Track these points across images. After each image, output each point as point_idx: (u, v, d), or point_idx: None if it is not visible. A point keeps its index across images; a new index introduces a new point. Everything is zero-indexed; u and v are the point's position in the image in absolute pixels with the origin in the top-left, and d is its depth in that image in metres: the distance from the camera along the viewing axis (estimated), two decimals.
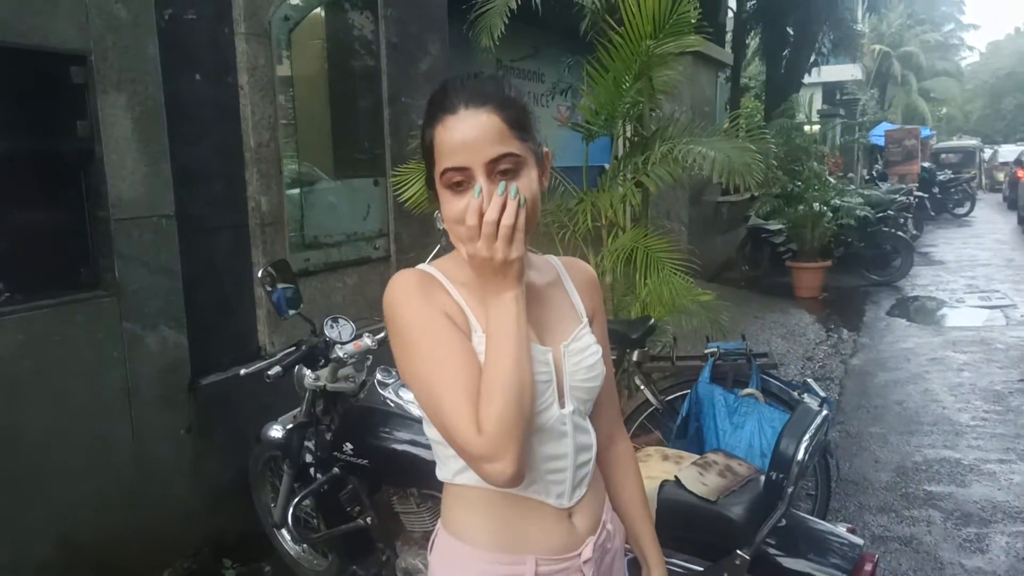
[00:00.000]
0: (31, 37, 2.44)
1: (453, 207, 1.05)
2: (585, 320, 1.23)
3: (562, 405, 1.14)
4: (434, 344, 1.04)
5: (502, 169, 1.04)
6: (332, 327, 2.62)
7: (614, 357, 3.27)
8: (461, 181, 1.05)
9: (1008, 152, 23.94)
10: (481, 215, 0.99)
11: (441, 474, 1.17)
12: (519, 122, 1.06)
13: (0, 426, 2.40)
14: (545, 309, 1.19)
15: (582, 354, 1.18)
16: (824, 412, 1.96)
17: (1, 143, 2.62)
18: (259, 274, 2.39)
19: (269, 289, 2.44)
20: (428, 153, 1.10)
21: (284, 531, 3.11)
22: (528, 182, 1.06)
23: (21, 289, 2.55)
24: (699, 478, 1.95)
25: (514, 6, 3.86)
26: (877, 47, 30.24)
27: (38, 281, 2.62)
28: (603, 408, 1.28)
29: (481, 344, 1.06)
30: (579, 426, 1.17)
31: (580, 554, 1.16)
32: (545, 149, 1.14)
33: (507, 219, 0.99)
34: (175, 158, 2.90)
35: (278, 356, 2.43)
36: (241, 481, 3.16)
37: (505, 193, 1.00)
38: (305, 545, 3.09)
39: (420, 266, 1.17)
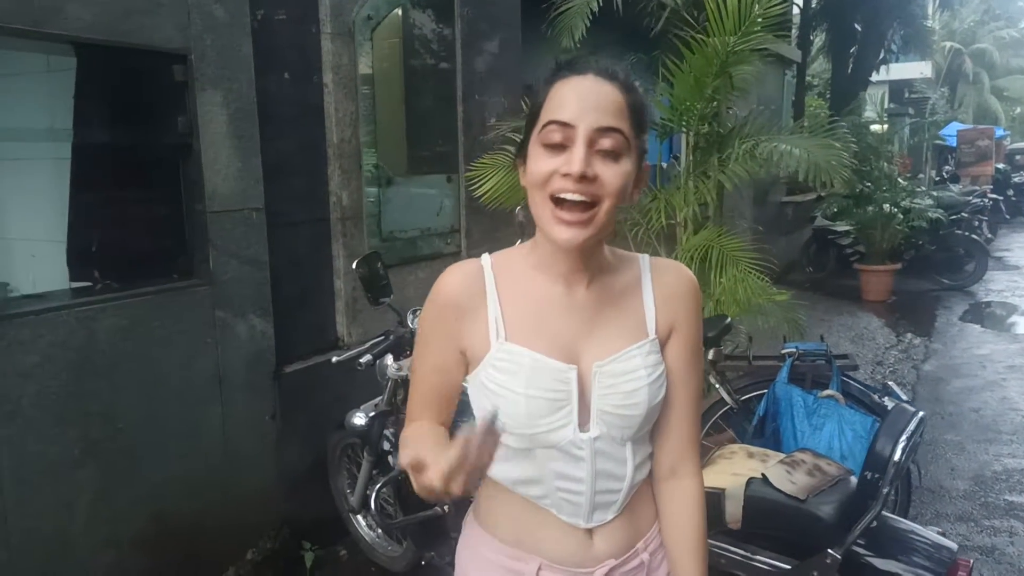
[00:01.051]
0: (136, 37, 2.56)
1: (542, 164, 1.00)
2: (652, 336, 1.11)
3: (584, 429, 1.07)
4: (421, 354, 1.17)
5: (603, 147, 0.99)
6: (414, 318, 2.69)
7: None
8: (560, 142, 0.99)
9: None
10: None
11: None
12: (637, 111, 1.03)
13: (100, 407, 2.52)
14: (600, 318, 1.10)
15: (622, 377, 1.07)
16: (921, 414, 1.93)
17: (106, 137, 2.76)
18: (354, 265, 2.46)
19: (363, 280, 2.51)
20: (535, 111, 1.04)
21: (360, 517, 3.21)
22: (624, 171, 1.01)
23: (122, 277, 2.67)
24: (787, 476, 1.95)
25: (596, 7, 3.87)
26: (948, 44, 29.22)
27: (138, 270, 2.75)
28: (667, 435, 1.16)
29: (500, 353, 1.06)
30: (604, 452, 1.08)
31: (592, 573, 1.12)
32: (647, 163, 1.10)
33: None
34: (264, 154, 3.00)
35: (368, 345, 2.51)
36: (319, 467, 3.26)
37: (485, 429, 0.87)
38: (380, 531, 3.17)
39: (484, 256, 1.15)
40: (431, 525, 2.73)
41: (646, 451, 1.15)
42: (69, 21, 2.36)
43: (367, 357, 2.42)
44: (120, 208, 2.83)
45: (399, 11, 3.84)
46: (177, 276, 2.82)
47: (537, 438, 1.06)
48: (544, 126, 1.00)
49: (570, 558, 1.11)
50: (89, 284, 2.68)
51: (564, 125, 0.99)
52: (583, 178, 0.97)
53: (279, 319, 3.12)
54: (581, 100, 0.99)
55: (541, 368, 1.05)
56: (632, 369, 1.08)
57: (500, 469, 1.10)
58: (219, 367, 2.88)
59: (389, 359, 2.65)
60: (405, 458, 0.95)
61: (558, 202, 1.00)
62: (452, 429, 1.14)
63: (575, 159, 0.97)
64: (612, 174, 1.00)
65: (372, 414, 2.78)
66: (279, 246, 3.13)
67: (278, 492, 3.16)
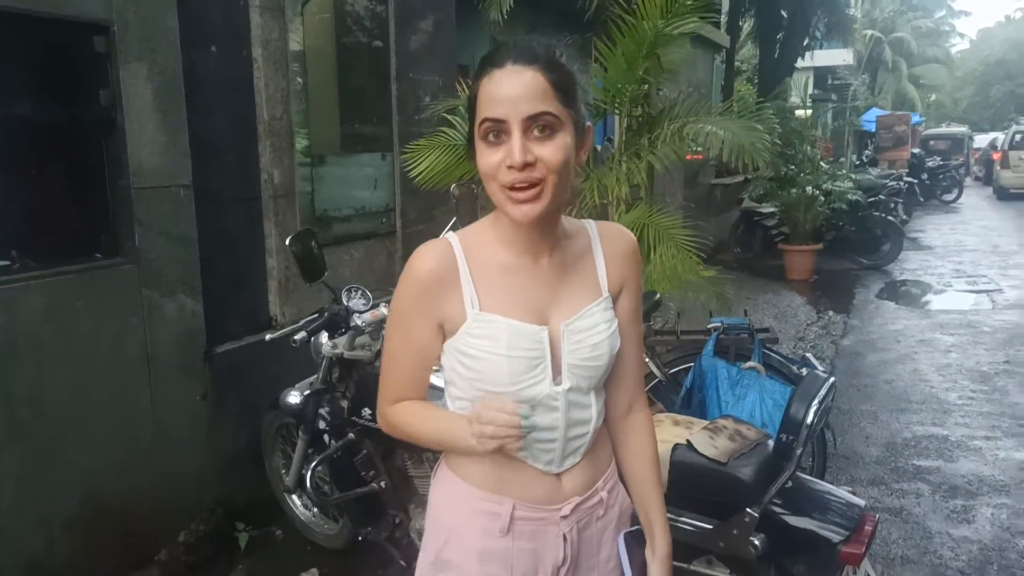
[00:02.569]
0: (55, 6, 2.47)
1: (487, 159, 1.10)
2: (606, 294, 1.24)
3: (557, 382, 1.18)
4: (400, 334, 1.23)
5: (539, 127, 1.07)
6: (349, 296, 2.69)
7: None
8: (498, 133, 1.08)
9: (981, 140, 24.82)
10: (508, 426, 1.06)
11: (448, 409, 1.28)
12: (563, 87, 1.09)
13: (24, 390, 2.45)
14: (562, 282, 1.21)
15: (586, 332, 1.20)
16: (831, 379, 2.05)
17: (24, 110, 2.65)
18: (287, 242, 2.44)
19: (296, 257, 2.50)
20: (471, 105, 1.13)
21: (295, 496, 3.20)
22: (562, 146, 1.09)
23: (42, 256, 2.59)
24: (710, 442, 2.04)
25: None
26: (869, 32, 30.28)
27: (61, 248, 2.67)
28: (622, 378, 1.31)
29: (477, 322, 1.16)
30: (575, 402, 1.20)
31: (560, 509, 1.23)
32: (588, 124, 1.17)
33: (504, 433, 1.06)
34: (192, 129, 2.94)
35: (302, 322, 2.50)
36: (253, 447, 3.24)
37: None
38: (316, 510, 3.18)
39: (449, 235, 1.22)
40: (368, 502, 2.75)
41: (603, 398, 1.29)
42: None
43: (301, 334, 2.42)
44: (40, 185, 2.73)
45: None
46: (101, 254, 2.75)
47: (519, 394, 1.16)
48: (480, 124, 1.10)
49: (540, 496, 1.22)
50: (7, 263, 2.59)
51: (496, 121, 1.08)
52: (525, 166, 1.07)
53: (209, 298, 3.07)
54: (507, 95, 1.07)
55: (517, 332, 1.15)
56: (594, 324, 1.21)
57: None
58: (147, 347, 2.82)
59: (324, 337, 2.64)
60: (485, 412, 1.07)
61: (509, 187, 1.10)
62: None
63: (514, 151, 1.07)
64: (550, 152, 1.08)
65: (307, 392, 2.76)
66: (209, 224, 3.07)
67: (211, 473, 3.13)
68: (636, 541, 1.34)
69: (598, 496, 1.28)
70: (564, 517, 1.23)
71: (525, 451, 1.20)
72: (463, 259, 1.18)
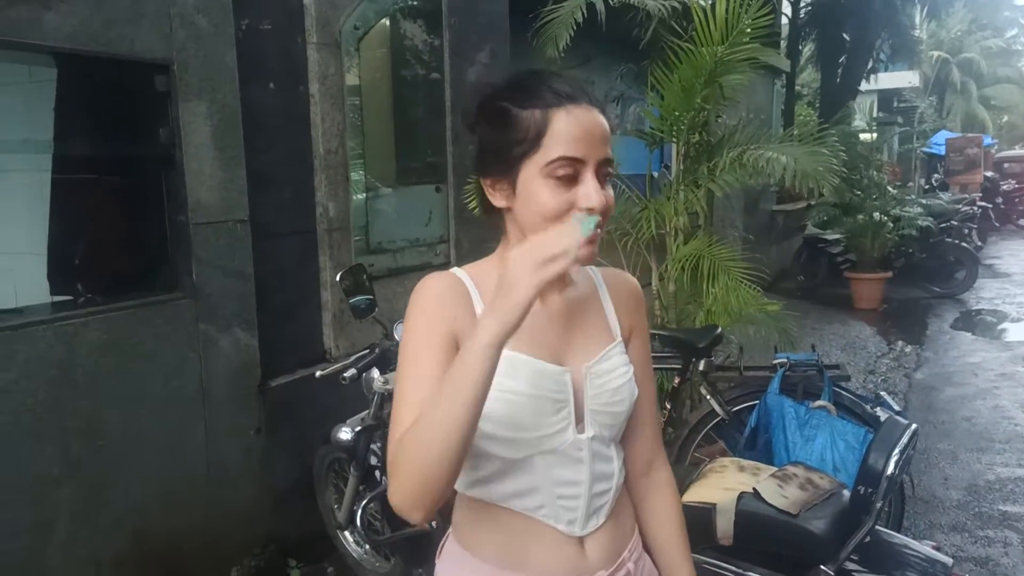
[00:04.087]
0: (118, 47, 2.53)
1: (555, 199, 1.01)
2: (619, 339, 1.17)
3: (580, 430, 1.09)
4: (417, 362, 1.03)
5: (605, 173, 1.04)
6: (400, 330, 2.65)
7: (678, 366, 3.23)
8: (571, 174, 1.01)
9: None
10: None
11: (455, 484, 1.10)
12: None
13: (80, 424, 2.47)
14: (573, 326, 1.14)
15: (608, 376, 1.12)
16: (913, 426, 1.90)
17: (87, 148, 2.73)
18: (338, 277, 2.43)
19: (347, 292, 2.48)
20: (533, 137, 1.02)
21: (348, 533, 3.16)
22: (612, 193, 1.07)
23: (103, 291, 2.63)
24: (779, 491, 1.91)
25: (579, 18, 3.86)
26: (936, 53, 29.45)
27: (120, 283, 2.71)
28: (640, 431, 1.23)
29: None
30: (599, 453, 1.11)
31: None
32: None
33: (564, 244, 0.91)
34: (249, 164, 2.97)
35: (353, 359, 2.47)
36: (306, 483, 3.22)
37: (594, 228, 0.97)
38: (368, 547, 3.12)
39: (455, 270, 1.12)
40: (418, 541, 2.69)
41: (622, 453, 1.19)
42: (49, 31, 2.33)
43: (351, 371, 2.38)
44: (102, 220, 2.79)
45: (387, 21, 3.83)
46: (160, 289, 2.78)
47: (541, 442, 1.06)
48: (552, 161, 1.01)
49: (564, 572, 1.10)
50: (70, 298, 2.64)
51: (575, 161, 1.01)
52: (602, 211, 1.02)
53: (264, 332, 3.07)
54: (589, 133, 1.02)
55: (540, 371, 1.06)
56: (614, 368, 1.13)
57: (494, 487, 1.09)
58: (203, 381, 2.83)
59: (375, 373, 2.61)
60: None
61: None
62: None
63: (594, 195, 1.01)
64: (611, 199, 1.05)
65: (358, 428, 2.73)
66: (264, 258, 3.09)
67: (263, 508, 3.11)
68: None
69: (625, 568, 1.16)
70: None
71: (544, 509, 1.08)
72: (474, 289, 1.09)
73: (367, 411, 2.74)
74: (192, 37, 2.72)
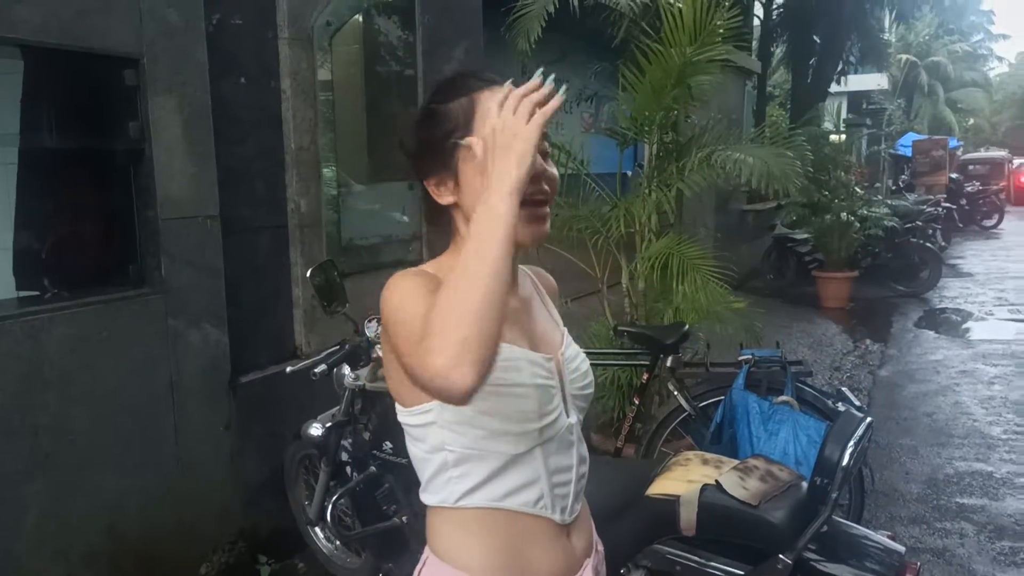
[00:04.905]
0: (87, 40, 2.51)
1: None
2: (564, 328, 1.22)
3: (567, 414, 1.12)
4: (417, 293, 0.99)
5: (541, 149, 1.02)
6: (371, 327, 2.67)
7: (647, 362, 3.29)
8: None
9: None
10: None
11: (436, 498, 1.09)
12: None
13: (49, 419, 2.46)
14: (533, 318, 1.17)
15: (576, 361, 1.17)
16: (868, 419, 1.96)
17: (54, 142, 2.70)
18: (308, 274, 2.43)
19: (317, 288, 2.48)
20: (463, 122, 1.04)
21: (318, 529, 3.16)
22: (555, 169, 1.10)
23: (71, 286, 2.61)
24: (740, 483, 1.96)
25: (552, 9, 3.90)
26: (904, 57, 29.95)
27: (88, 278, 2.69)
28: None
29: None
30: (580, 436, 1.16)
31: None
32: None
33: (535, 95, 0.93)
34: (220, 160, 2.96)
35: (323, 355, 2.48)
36: (276, 478, 3.22)
37: (542, 79, 0.95)
38: (338, 543, 3.13)
39: (421, 267, 1.12)
40: (389, 536, 2.70)
41: None
42: (17, 24, 2.30)
43: (321, 367, 2.39)
44: (69, 215, 2.77)
45: (359, 17, 3.83)
46: (129, 285, 2.76)
47: (545, 431, 1.07)
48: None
49: (560, 568, 1.11)
50: (37, 293, 2.61)
51: None
52: (542, 175, 1.05)
53: (235, 328, 3.07)
54: None
55: (534, 361, 1.08)
56: (576, 354, 1.19)
57: (490, 489, 1.07)
58: (172, 377, 2.82)
59: (346, 369, 2.62)
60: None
61: (529, 204, 1.02)
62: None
63: (535, 161, 0.98)
64: (552, 172, 1.08)
65: (329, 425, 2.74)
66: (235, 253, 3.08)
67: (233, 504, 3.11)
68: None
69: (597, 551, 1.23)
70: None
71: (542, 500, 1.09)
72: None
73: (338, 407, 2.75)
74: (162, 31, 2.71)
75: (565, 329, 1.23)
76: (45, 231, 2.69)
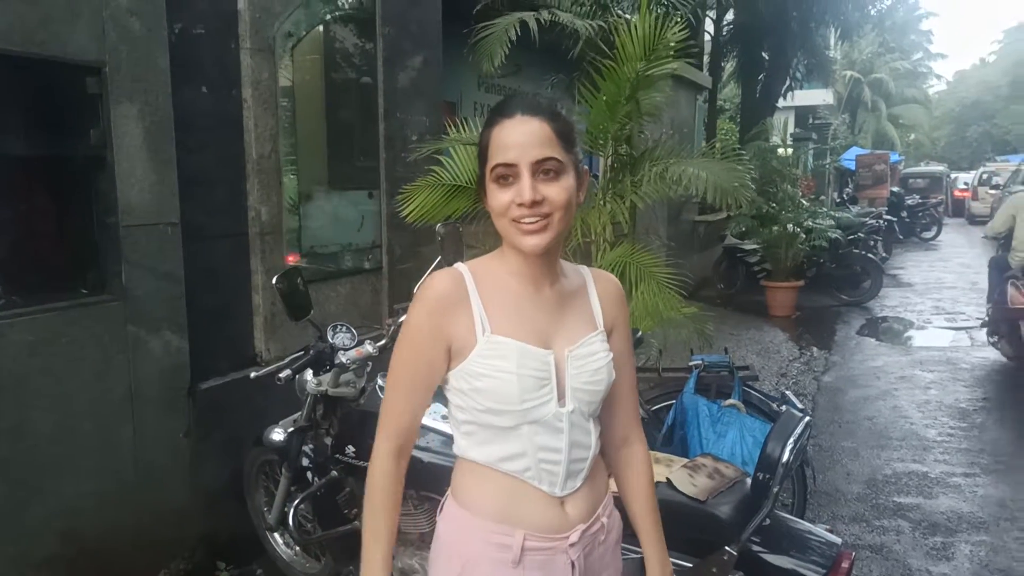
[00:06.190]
0: (49, 48, 2.52)
1: (499, 198, 1.23)
2: (600, 328, 1.36)
3: (562, 404, 1.28)
4: (408, 350, 1.30)
5: (544, 169, 1.21)
6: (334, 333, 2.71)
7: None
8: (508, 176, 1.22)
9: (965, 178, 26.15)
10: None
11: (457, 448, 1.34)
12: (565, 135, 1.24)
13: (7, 424, 2.45)
14: (562, 314, 1.33)
15: (588, 359, 1.31)
16: (807, 418, 2.09)
17: (14, 148, 2.69)
18: (274, 280, 2.47)
19: (283, 295, 2.52)
20: (482, 153, 1.27)
21: (276, 535, 3.18)
22: (565, 187, 1.23)
23: (31, 292, 2.61)
24: (689, 479, 2.07)
25: (514, 36, 3.99)
26: (849, 73, 30.96)
27: (48, 284, 2.69)
28: (618, 409, 1.44)
29: (488, 344, 1.25)
30: (577, 425, 1.29)
31: (567, 537, 1.30)
32: (585, 167, 1.31)
33: None
34: (181, 167, 2.98)
35: (287, 360, 2.51)
36: (235, 485, 3.23)
37: None
38: (298, 548, 3.16)
39: (459, 265, 1.33)
40: (350, 540, 2.74)
41: (599, 428, 1.37)
42: None
43: (286, 372, 2.43)
44: (30, 221, 2.76)
45: (320, 28, 3.87)
46: (88, 291, 2.76)
47: (527, 413, 1.25)
48: (493, 168, 1.23)
49: (549, 526, 1.29)
50: None
51: (508, 165, 1.21)
52: (534, 203, 1.21)
53: (195, 335, 3.08)
54: (517, 141, 1.21)
55: (525, 352, 1.25)
56: (594, 352, 1.32)
57: (487, 450, 1.29)
58: (131, 383, 2.83)
59: (309, 374, 2.65)
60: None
61: (519, 222, 1.23)
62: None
63: (524, 190, 1.20)
64: (555, 192, 1.22)
65: (291, 430, 2.77)
66: (195, 261, 3.10)
67: (192, 510, 3.11)
68: (637, 571, 1.44)
69: (600, 522, 1.36)
70: (572, 545, 1.29)
71: (530, 471, 1.27)
72: (473, 285, 1.28)
73: (299, 412, 2.78)
74: (125, 39, 2.73)
75: (602, 329, 1.35)
76: (4, 237, 2.68)
